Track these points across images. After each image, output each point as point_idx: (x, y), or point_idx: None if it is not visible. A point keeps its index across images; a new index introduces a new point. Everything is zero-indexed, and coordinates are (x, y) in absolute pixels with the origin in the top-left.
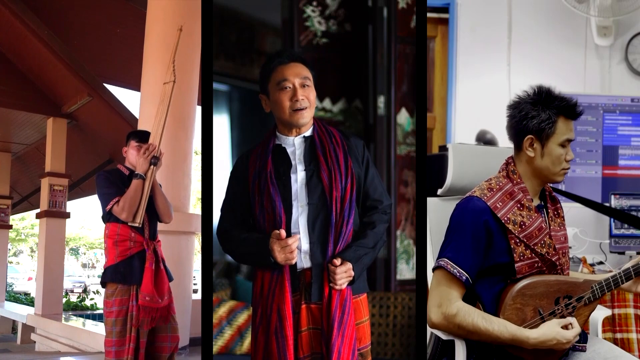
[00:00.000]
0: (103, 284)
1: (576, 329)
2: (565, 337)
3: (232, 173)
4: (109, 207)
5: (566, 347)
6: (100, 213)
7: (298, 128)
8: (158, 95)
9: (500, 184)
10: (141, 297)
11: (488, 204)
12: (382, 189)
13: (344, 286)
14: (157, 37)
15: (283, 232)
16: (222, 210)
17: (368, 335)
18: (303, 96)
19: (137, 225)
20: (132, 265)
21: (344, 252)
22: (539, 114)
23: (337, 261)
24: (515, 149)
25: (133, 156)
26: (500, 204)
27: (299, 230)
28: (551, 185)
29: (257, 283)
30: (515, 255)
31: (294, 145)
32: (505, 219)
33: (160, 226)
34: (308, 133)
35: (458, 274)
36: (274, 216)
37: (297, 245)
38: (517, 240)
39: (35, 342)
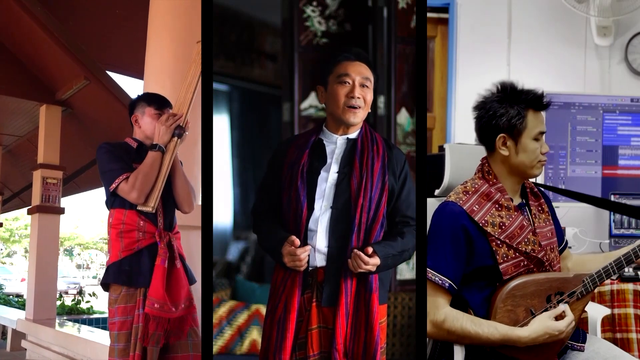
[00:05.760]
0: (105, 285)
1: (568, 317)
2: (557, 329)
3: (270, 158)
4: (114, 185)
5: (561, 337)
6: (95, 209)
7: (346, 127)
8: (164, 77)
9: (476, 185)
10: (148, 304)
11: (464, 207)
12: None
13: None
14: (163, 13)
15: (297, 241)
16: (257, 192)
17: (384, 336)
18: (360, 95)
19: (149, 210)
20: (140, 263)
21: (376, 244)
22: (507, 111)
23: (370, 249)
24: (487, 150)
25: (148, 125)
26: (476, 206)
27: (317, 229)
28: (550, 184)
29: (275, 274)
30: (498, 257)
31: (335, 144)
32: (483, 221)
33: None
34: (353, 135)
35: (440, 282)
36: (297, 210)
37: (313, 244)
38: (499, 242)
39: (26, 349)
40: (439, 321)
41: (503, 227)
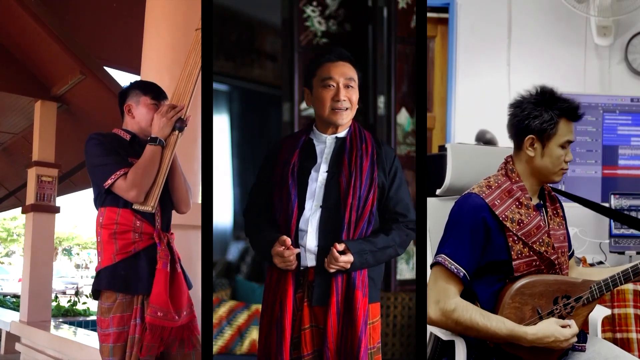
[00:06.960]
0: (96, 292)
1: (574, 329)
2: (563, 335)
3: (263, 160)
4: (109, 181)
5: (564, 345)
6: (92, 208)
7: (335, 127)
8: (162, 72)
9: (499, 181)
10: (150, 312)
11: (486, 201)
12: (407, 202)
13: (332, 270)
14: (160, 6)
15: (288, 241)
16: (249, 194)
17: (376, 336)
18: (345, 97)
19: (148, 210)
20: (137, 267)
21: (350, 241)
22: (541, 115)
23: (340, 246)
24: (515, 148)
25: (144, 116)
26: (498, 201)
27: (307, 229)
28: (551, 185)
29: (268, 274)
30: (513, 252)
31: (325, 143)
32: (503, 216)
33: None
34: (342, 134)
35: (455, 270)
36: (288, 211)
37: (304, 244)
38: (515, 238)
39: (20, 352)
40: (448, 310)
41: (521, 224)
